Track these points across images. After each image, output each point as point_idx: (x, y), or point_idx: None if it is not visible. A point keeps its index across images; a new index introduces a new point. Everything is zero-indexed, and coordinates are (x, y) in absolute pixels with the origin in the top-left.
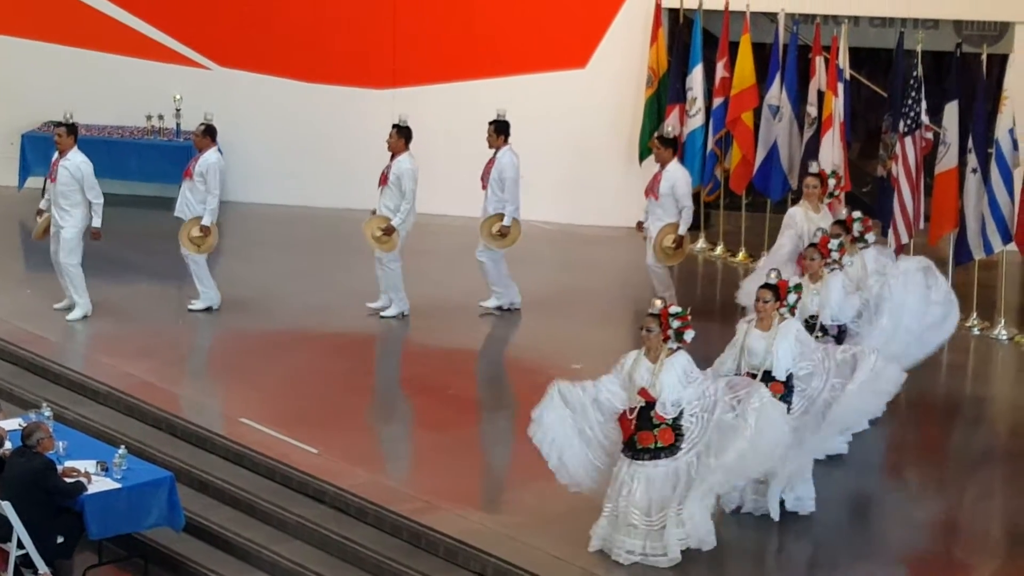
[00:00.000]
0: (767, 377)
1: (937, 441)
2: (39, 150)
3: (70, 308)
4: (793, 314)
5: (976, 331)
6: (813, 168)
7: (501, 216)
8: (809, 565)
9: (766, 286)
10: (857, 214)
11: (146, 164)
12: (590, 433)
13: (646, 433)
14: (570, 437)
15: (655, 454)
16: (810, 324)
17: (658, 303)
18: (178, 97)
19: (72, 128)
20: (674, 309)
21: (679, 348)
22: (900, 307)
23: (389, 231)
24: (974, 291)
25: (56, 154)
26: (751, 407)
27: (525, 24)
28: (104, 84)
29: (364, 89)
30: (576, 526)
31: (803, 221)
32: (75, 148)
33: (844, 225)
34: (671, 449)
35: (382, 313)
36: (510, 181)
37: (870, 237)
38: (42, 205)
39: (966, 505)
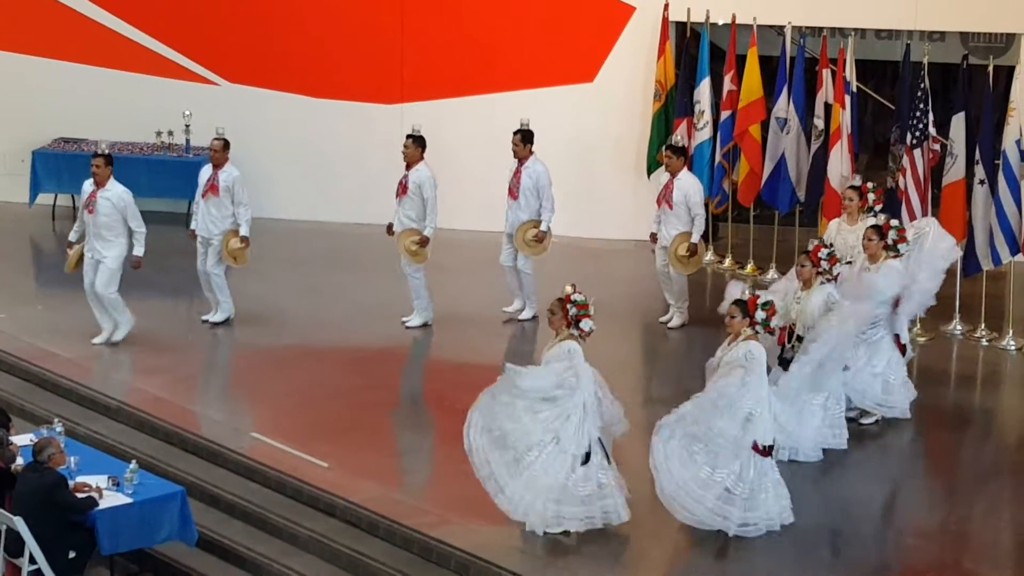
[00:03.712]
0: None
1: (946, 451)
2: (49, 167)
3: (108, 339)
4: (769, 332)
5: (984, 342)
6: (856, 181)
7: (535, 223)
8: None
9: (736, 302)
10: (895, 222)
11: (156, 180)
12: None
13: None
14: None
15: None
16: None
17: (568, 288)
18: (187, 113)
19: (109, 159)
20: (576, 297)
21: (578, 337)
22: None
23: (424, 242)
24: (982, 302)
25: (91, 185)
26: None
27: (533, 38)
28: (114, 100)
29: (372, 104)
30: (587, 540)
31: (835, 233)
32: (112, 178)
33: (880, 231)
34: None
35: (407, 324)
36: (547, 188)
37: (903, 247)
38: (72, 237)
39: (975, 515)
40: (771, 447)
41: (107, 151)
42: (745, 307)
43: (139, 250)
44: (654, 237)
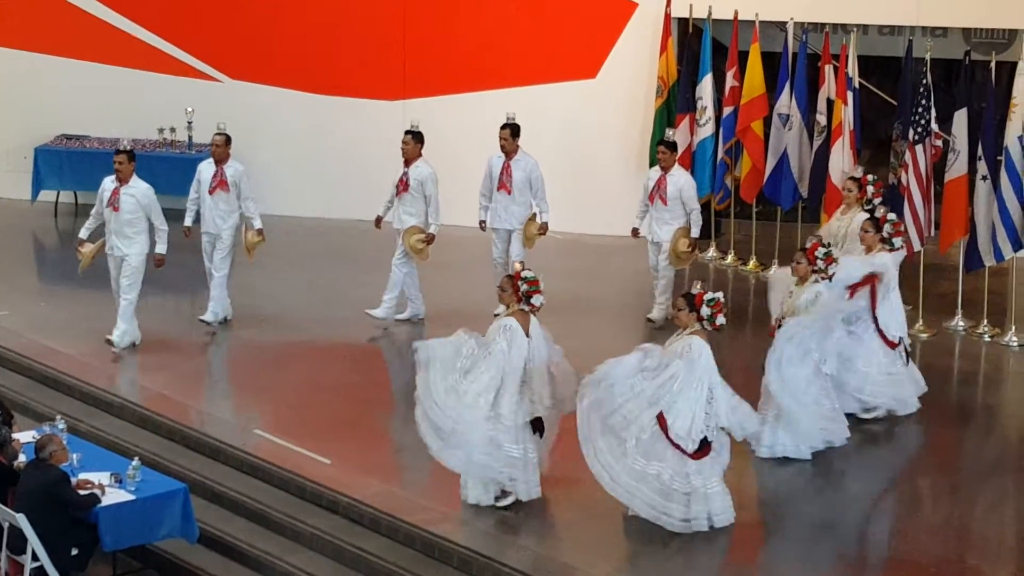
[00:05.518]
0: None
1: (949, 448)
2: (52, 163)
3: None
4: (716, 328)
5: (987, 338)
6: (856, 173)
7: (535, 216)
8: (820, 571)
9: (684, 295)
10: (892, 216)
11: (159, 177)
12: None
13: None
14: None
15: None
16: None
17: (517, 265)
18: (190, 110)
19: (132, 155)
20: (526, 273)
21: (529, 312)
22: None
23: (430, 240)
24: (984, 298)
25: (115, 182)
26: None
27: (535, 35)
28: (116, 97)
29: (374, 101)
30: (590, 534)
31: (831, 222)
32: (135, 175)
33: (876, 223)
34: None
35: (397, 316)
36: (541, 181)
37: (897, 242)
38: (82, 234)
39: (979, 512)
40: (704, 446)
41: (129, 147)
42: (692, 301)
43: (161, 248)
44: (636, 232)
